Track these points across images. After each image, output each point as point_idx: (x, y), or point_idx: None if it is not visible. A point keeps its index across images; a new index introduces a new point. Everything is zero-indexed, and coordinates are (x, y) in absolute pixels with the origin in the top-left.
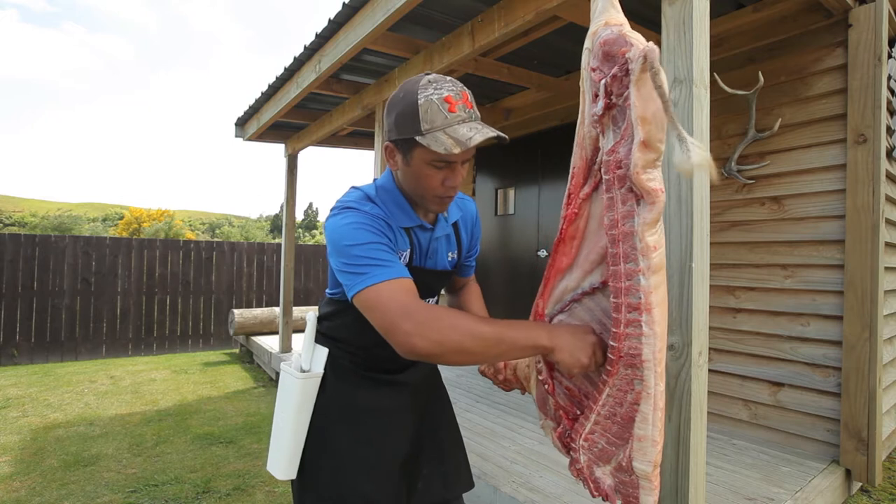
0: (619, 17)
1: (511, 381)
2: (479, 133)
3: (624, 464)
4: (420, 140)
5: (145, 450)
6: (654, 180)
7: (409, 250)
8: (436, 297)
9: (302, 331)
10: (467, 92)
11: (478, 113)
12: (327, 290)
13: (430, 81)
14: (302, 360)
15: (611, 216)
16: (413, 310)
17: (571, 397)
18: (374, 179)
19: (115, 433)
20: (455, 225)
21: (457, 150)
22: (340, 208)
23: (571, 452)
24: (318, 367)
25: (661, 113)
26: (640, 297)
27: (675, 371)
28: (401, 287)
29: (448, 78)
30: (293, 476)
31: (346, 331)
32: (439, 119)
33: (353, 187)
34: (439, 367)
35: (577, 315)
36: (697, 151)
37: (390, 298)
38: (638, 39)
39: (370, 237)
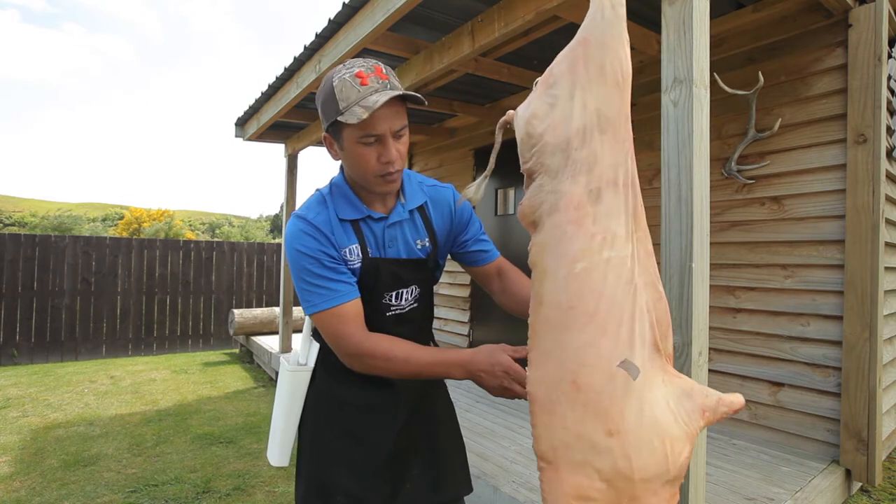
0: (563, 51)
1: None
2: (384, 95)
3: None
4: (341, 119)
5: (145, 450)
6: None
7: (357, 244)
8: (411, 287)
9: (302, 330)
10: (381, 66)
11: (395, 83)
12: None
13: (343, 65)
14: (299, 355)
15: None
16: (342, 343)
17: None
18: (332, 177)
19: (115, 433)
20: (421, 210)
21: (365, 116)
22: (293, 215)
23: None
24: (311, 362)
25: (519, 146)
26: None
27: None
28: (335, 316)
29: (362, 58)
30: (285, 464)
31: None
32: (353, 94)
33: (316, 189)
34: None
35: None
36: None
37: (326, 328)
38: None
39: (310, 263)
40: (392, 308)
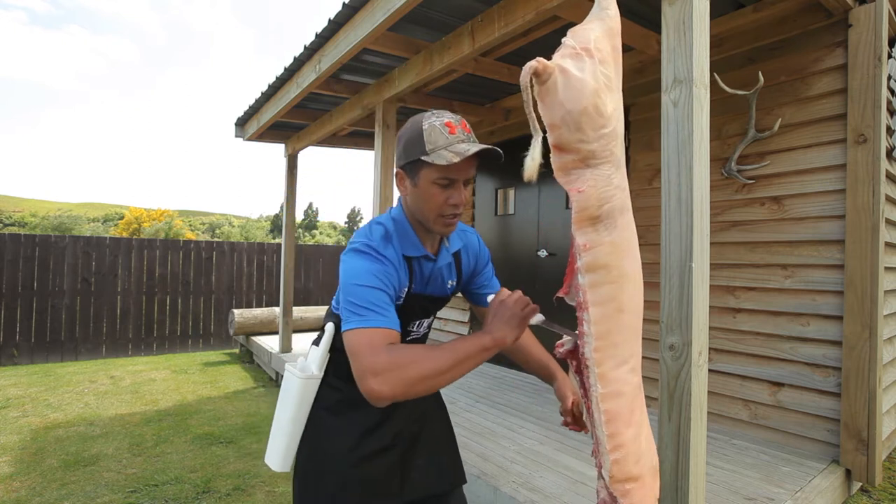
0: (592, 25)
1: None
2: (474, 146)
3: (603, 473)
4: (425, 159)
5: (145, 450)
6: (572, 182)
7: (409, 283)
8: (431, 318)
9: (302, 331)
10: (465, 121)
11: (475, 138)
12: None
13: (432, 112)
14: (311, 366)
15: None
16: (379, 363)
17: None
18: (390, 209)
19: (115, 433)
20: (456, 254)
21: (456, 160)
22: (355, 250)
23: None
24: (320, 371)
25: (572, 115)
26: (580, 296)
27: (675, 371)
28: (381, 336)
29: (449, 111)
30: (287, 468)
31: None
32: (441, 140)
33: (376, 222)
34: None
35: None
36: (528, 161)
37: (366, 346)
38: (567, 45)
39: (375, 282)
40: (411, 334)
